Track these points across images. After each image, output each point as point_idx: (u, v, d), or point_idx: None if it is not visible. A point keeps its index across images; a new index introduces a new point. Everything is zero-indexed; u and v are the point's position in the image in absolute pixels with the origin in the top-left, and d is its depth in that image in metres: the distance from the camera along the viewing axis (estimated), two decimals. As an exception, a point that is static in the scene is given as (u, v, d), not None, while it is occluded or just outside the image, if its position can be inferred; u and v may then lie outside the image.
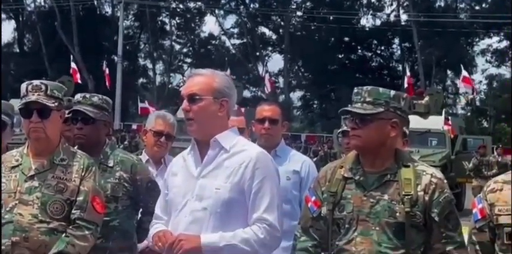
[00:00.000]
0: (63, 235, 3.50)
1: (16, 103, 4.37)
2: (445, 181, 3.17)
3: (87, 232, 3.53)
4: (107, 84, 32.15)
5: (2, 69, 51.21)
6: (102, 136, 4.22)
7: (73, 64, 29.35)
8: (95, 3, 50.01)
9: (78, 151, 3.70)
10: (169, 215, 3.30)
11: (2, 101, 4.38)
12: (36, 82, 3.61)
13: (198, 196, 3.16)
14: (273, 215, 3.15)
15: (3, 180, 3.58)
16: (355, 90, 3.24)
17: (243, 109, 23.03)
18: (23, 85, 3.61)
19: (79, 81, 26.89)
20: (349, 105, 3.22)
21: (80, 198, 3.55)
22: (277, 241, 3.21)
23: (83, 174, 3.59)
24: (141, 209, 4.28)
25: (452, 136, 19.76)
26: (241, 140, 3.27)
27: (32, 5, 50.51)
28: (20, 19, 52.10)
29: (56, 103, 3.58)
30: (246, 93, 45.12)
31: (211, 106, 3.19)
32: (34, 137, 3.58)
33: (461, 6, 49.00)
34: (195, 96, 3.18)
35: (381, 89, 3.20)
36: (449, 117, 21.40)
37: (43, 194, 3.51)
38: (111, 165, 4.10)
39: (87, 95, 4.24)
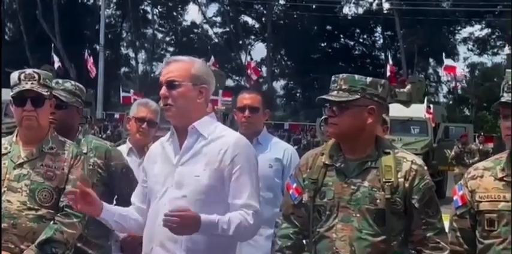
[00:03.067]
0: (52, 222, 3.53)
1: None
2: (425, 167, 3.19)
3: (75, 220, 3.56)
4: (93, 73, 32.00)
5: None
6: (75, 122, 4.17)
7: (56, 58, 29.24)
8: (77, -9, 49.68)
9: (67, 141, 3.72)
10: (148, 202, 3.29)
11: None
12: (28, 70, 3.62)
13: (177, 184, 3.15)
14: (257, 201, 3.17)
15: None
16: (332, 78, 3.24)
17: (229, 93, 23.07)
18: (15, 74, 3.61)
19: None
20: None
21: (69, 186, 3.56)
22: (259, 227, 3.25)
23: (71, 162, 3.61)
24: (115, 196, 4.27)
25: (433, 124, 19.88)
26: (219, 126, 3.27)
27: (13, -6, 50.11)
28: (1, 7, 51.63)
29: (48, 92, 3.61)
30: (229, 82, 45.02)
31: (190, 93, 3.18)
32: (26, 125, 3.59)
33: (443, -6, 49.12)
34: (173, 82, 3.16)
35: (356, 76, 3.20)
36: (431, 105, 21.50)
37: (32, 182, 3.54)
38: (85, 151, 4.03)
39: (60, 81, 4.20)
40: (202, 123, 3.20)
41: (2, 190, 3.53)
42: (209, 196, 3.13)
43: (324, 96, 3.20)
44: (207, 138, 3.19)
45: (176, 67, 3.21)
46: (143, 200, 3.34)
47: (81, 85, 4.25)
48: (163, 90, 3.18)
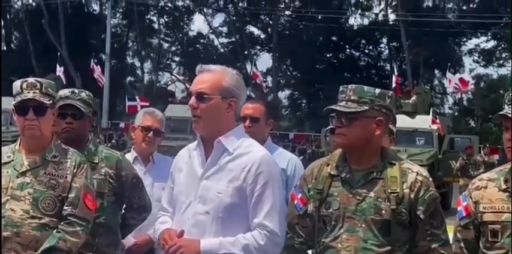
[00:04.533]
0: (55, 230, 3.52)
1: (4, 101, 4.38)
2: (431, 179, 3.20)
3: (78, 228, 3.56)
4: (102, 82, 32.04)
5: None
6: (87, 132, 4.22)
7: (60, 68, 29.34)
8: (83, 1, 49.79)
9: (70, 149, 3.72)
10: (174, 209, 3.31)
11: None
12: (31, 79, 3.62)
13: (201, 198, 3.16)
14: (274, 221, 3.14)
15: None
16: (341, 88, 3.25)
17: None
18: (17, 83, 3.62)
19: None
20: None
21: (72, 195, 3.57)
22: (277, 247, 3.19)
23: (74, 171, 3.61)
24: (124, 206, 4.28)
25: (442, 134, 19.85)
26: (246, 141, 3.24)
27: (19, 3, 50.28)
28: (8, 17, 51.84)
29: (51, 101, 3.61)
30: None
31: (219, 106, 3.16)
32: (29, 134, 3.59)
33: (449, 6, 49.12)
34: (203, 94, 3.14)
35: (365, 87, 3.21)
36: (437, 116, 21.49)
37: (35, 190, 3.54)
38: (96, 161, 4.10)
39: (76, 90, 4.24)
40: (228, 138, 3.18)
41: (6, 199, 3.53)
42: (231, 214, 3.13)
43: (332, 106, 3.20)
44: (232, 153, 3.17)
45: (207, 78, 3.19)
46: (172, 204, 3.35)
47: (92, 95, 4.29)
48: (193, 101, 3.16)
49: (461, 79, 26.45)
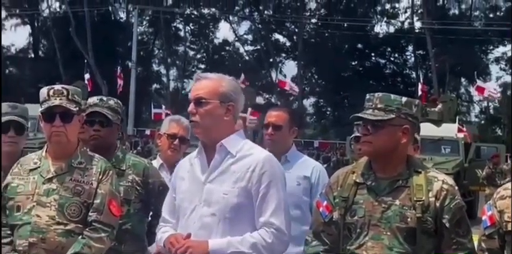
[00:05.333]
0: (80, 237, 3.54)
1: (31, 108, 4.43)
2: (456, 187, 3.20)
3: (103, 234, 3.57)
4: (121, 89, 32.29)
5: (16, 73, 51.58)
6: (115, 139, 4.26)
7: (87, 75, 29.61)
8: (110, 9, 50.23)
9: (95, 155, 3.74)
10: (177, 219, 3.33)
11: (19, 105, 4.45)
12: (57, 87, 3.65)
13: (206, 202, 3.19)
14: (279, 219, 3.17)
15: (21, 182, 3.64)
16: (367, 96, 3.26)
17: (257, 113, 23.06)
18: (44, 90, 3.65)
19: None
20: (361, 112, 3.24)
21: (97, 201, 3.58)
22: (284, 245, 3.23)
23: (100, 177, 3.63)
24: (151, 213, 4.31)
25: (470, 142, 19.72)
26: (247, 144, 3.29)
27: (47, 11, 50.79)
28: (35, 24, 52.39)
29: (77, 108, 3.63)
30: (260, 100, 45.07)
31: (217, 110, 3.22)
32: (55, 141, 3.62)
33: (475, 14, 48.91)
34: (201, 99, 3.21)
35: (392, 96, 3.23)
36: (464, 125, 21.37)
37: (61, 197, 3.56)
38: (123, 168, 4.13)
39: (104, 98, 4.28)
40: (230, 141, 3.23)
41: (32, 205, 3.55)
42: (238, 214, 3.16)
43: (359, 114, 3.21)
44: (235, 156, 3.22)
45: (205, 84, 3.25)
46: (174, 215, 3.37)
47: (120, 102, 4.32)
48: (191, 107, 3.23)
49: (478, 87, 26.24)
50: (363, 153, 3.31)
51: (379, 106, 3.18)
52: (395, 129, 3.17)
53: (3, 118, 4.26)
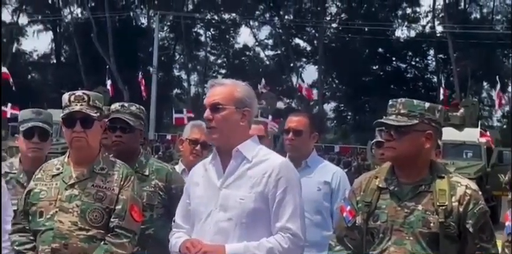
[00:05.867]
0: (102, 242, 3.55)
1: (54, 114, 4.48)
2: (480, 192, 3.18)
3: (125, 240, 3.58)
4: (143, 94, 32.44)
5: (38, 79, 51.98)
6: (138, 145, 4.28)
7: (109, 81, 29.79)
8: (131, 14, 50.48)
9: (117, 161, 3.76)
10: (191, 224, 3.33)
11: (43, 111, 4.49)
12: (78, 92, 3.68)
13: (222, 207, 3.19)
14: (296, 224, 3.17)
15: (44, 187, 3.66)
16: (390, 102, 3.26)
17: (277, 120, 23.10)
18: (65, 96, 3.68)
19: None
20: (384, 117, 3.24)
21: (119, 207, 3.60)
22: (300, 250, 3.23)
23: (121, 183, 3.64)
24: (174, 218, 4.32)
25: (492, 146, 19.59)
26: (263, 149, 3.30)
27: (69, 17, 51.18)
28: (58, 30, 52.78)
29: (98, 114, 3.65)
30: (280, 104, 45.07)
31: (233, 116, 3.23)
32: (76, 146, 3.64)
33: (497, 17, 48.60)
34: (217, 105, 3.22)
35: (415, 101, 3.22)
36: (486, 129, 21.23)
37: (83, 203, 3.57)
38: (146, 173, 4.16)
39: (126, 104, 4.31)
40: (246, 146, 3.24)
41: (54, 211, 3.57)
42: (254, 219, 3.16)
43: (382, 120, 3.21)
44: (251, 161, 3.22)
45: (220, 90, 3.27)
46: (188, 220, 3.38)
47: (143, 108, 4.35)
48: (207, 113, 3.24)
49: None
50: (387, 159, 3.31)
51: (402, 111, 3.18)
52: (419, 135, 3.17)
53: (28, 124, 4.31)
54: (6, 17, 50.64)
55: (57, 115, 3.88)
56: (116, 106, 4.27)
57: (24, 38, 51.97)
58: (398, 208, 3.13)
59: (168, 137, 34.30)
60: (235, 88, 3.28)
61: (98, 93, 3.84)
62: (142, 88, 33.96)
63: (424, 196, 3.12)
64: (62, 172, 3.66)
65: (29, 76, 52.31)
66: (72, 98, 3.64)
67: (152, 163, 4.23)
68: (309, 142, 4.69)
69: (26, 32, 51.67)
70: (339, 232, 3.32)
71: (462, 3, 48.60)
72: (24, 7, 51.17)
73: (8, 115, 26.37)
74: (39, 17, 50.72)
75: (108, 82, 31.21)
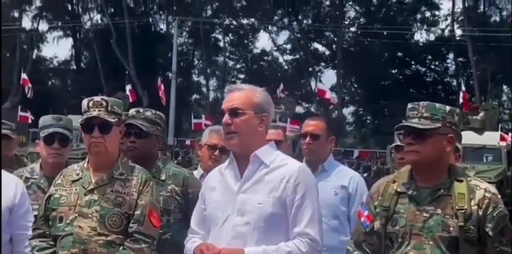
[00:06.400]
0: (121, 247, 3.57)
1: (74, 120, 4.53)
2: (499, 196, 3.17)
3: (144, 245, 3.59)
4: (163, 100, 32.52)
5: (58, 85, 52.32)
6: (155, 150, 4.30)
7: (128, 86, 29.91)
8: (150, 20, 50.68)
9: (136, 166, 3.77)
10: (207, 230, 3.33)
11: (63, 117, 4.53)
12: (97, 98, 3.71)
13: (239, 211, 3.19)
14: (314, 229, 3.17)
15: (63, 193, 3.69)
16: (411, 105, 3.26)
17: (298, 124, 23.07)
18: (84, 101, 3.70)
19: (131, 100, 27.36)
20: (403, 121, 3.23)
21: (138, 212, 3.61)
22: None
23: (140, 188, 3.66)
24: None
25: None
26: (280, 155, 3.30)
27: (89, 23, 51.47)
28: (77, 37, 53.10)
29: (116, 119, 3.67)
30: (299, 109, 45.04)
31: (252, 121, 3.24)
32: (94, 152, 3.66)
33: (517, 20, 48.28)
34: (237, 110, 3.23)
35: (437, 104, 3.23)
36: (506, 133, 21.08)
37: (102, 208, 3.59)
38: (163, 178, 4.18)
39: (141, 110, 4.34)
40: (263, 151, 3.25)
41: (74, 216, 3.59)
42: (272, 224, 3.16)
43: (408, 123, 3.20)
44: (268, 166, 3.23)
45: (239, 95, 3.27)
46: (204, 226, 3.38)
47: (160, 114, 4.37)
48: (226, 118, 3.24)
49: None
50: (409, 163, 3.28)
51: (425, 115, 3.18)
52: (441, 138, 3.17)
53: (48, 130, 4.35)
54: (27, 23, 51.13)
55: (77, 121, 3.91)
56: (131, 112, 4.30)
57: (44, 44, 52.38)
58: (417, 213, 3.12)
59: (187, 142, 34.30)
60: (254, 94, 3.29)
61: (117, 99, 3.87)
62: (161, 93, 34.04)
63: (443, 200, 3.12)
64: (81, 178, 3.69)
65: (50, 83, 52.66)
66: (90, 104, 3.67)
67: (169, 168, 4.25)
68: (326, 146, 4.69)
69: (46, 38, 52.07)
70: (357, 237, 3.32)
71: (481, 6, 48.35)
72: (44, 14, 51.54)
73: (30, 121, 26.55)
74: (59, 24, 51.04)
75: (128, 87, 31.31)
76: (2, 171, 4.02)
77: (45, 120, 4.47)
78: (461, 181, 3.15)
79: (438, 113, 3.18)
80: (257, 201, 3.17)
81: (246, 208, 3.18)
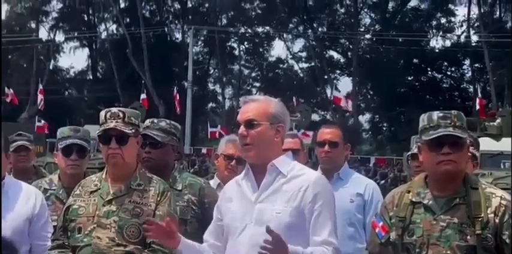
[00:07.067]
0: None
1: (91, 130, 4.57)
2: (515, 203, 3.16)
3: None
4: (177, 109, 32.65)
5: (75, 95, 52.59)
6: (171, 160, 4.31)
7: (143, 95, 30.06)
8: (166, 30, 50.88)
9: (154, 177, 3.79)
10: (224, 240, 3.33)
11: (81, 128, 4.58)
12: (114, 109, 3.74)
13: (257, 221, 3.18)
14: (336, 238, 3.17)
15: (82, 203, 3.71)
16: (441, 114, 3.22)
17: (310, 133, 23.06)
18: (102, 113, 3.73)
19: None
20: (440, 129, 3.15)
21: None
22: None
23: (158, 199, 3.68)
24: None
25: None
26: (297, 165, 3.31)
27: (105, 33, 51.75)
28: (94, 47, 53.39)
29: (133, 130, 3.70)
30: (315, 117, 45.04)
31: (268, 132, 3.23)
32: (112, 163, 3.69)
33: (533, 25, 48.05)
34: (252, 121, 3.23)
35: (461, 113, 3.22)
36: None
37: (120, 218, 3.61)
38: (179, 188, 4.19)
39: (155, 120, 4.36)
40: (281, 161, 3.25)
41: (92, 227, 3.61)
42: (290, 233, 3.14)
43: (452, 132, 3.15)
44: (286, 176, 3.22)
45: (254, 107, 3.28)
46: (217, 237, 3.38)
47: (176, 124, 4.38)
48: (242, 130, 3.24)
49: None
50: (446, 172, 3.18)
51: (457, 124, 3.17)
52: (467, 147, 3.19)
53: (66, 142, 4.39)
54: (43, 34, 51.51)
55: (94, 130, 3.96)
56: (146, 122, 4.32)
57: (61, 55, 52.72)
58: (434, 222, 3.12)
59: (204, 151, 34.36)
60: (269, 105, 3.29)
61: (135, 110, 3.90)
62: (176, 103, 34.16)
63: (459, 209, 3.11)
64: (99, 188, 3.71)
65: (66, 93, 52.95)
66: (108, 115, 3.70)
67: (186, 178, 4.26)
68: (343, 153, 4.71)
69: (63, 49, 52.40)
70: (372, 248, 3.31)
71: (497, 12, 48.16)
72: (60, 24, 51.89)
73: (46, 131, 26.72)
74: (76, 34, 51.36)
75: (142, 96, 31.46)
76: (22, 182, 4.07)
77: (63, 131, 4.51)
78: (476, 189, 3.15)
79: (464, 122, 3.19)
80: (275, 210, 3.17)
81: (264, 218, 3.18)
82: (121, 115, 3.70)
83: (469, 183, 3.18)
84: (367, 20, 50.86)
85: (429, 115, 3.23)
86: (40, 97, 30.00)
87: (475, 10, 46.92)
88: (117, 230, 3.59)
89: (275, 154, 3.26)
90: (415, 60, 49.71)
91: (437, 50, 49.36)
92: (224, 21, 52.01)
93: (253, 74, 54.87)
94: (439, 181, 3.19)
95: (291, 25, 50.79)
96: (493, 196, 3.13)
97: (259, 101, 3.31)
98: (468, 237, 3.07)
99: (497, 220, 3.08)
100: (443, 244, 3.09)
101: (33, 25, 50.91)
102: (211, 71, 54.42)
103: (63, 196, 4.32)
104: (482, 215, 3.07)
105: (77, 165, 4.40)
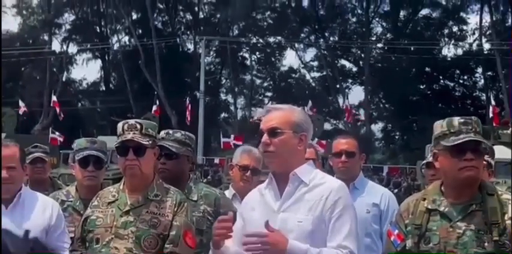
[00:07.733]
0: None
1: (105, 141, 4.61)
2: (531, 210, 3.16)
3: None
4: (187, 120, 32.74)
5: (88, 106, 52.79)
6: (186, 171, 4.33)
7: (155, 107, 30.19)
8: (177, 41, 51.08)
9: (171, 187, 3.80)
10: None
11: (97, 139, 4.61)
12: (131, 121, 3.76)
13: (281, 230, 3.17)
14: (353, 244, 3.17)
15: (100, 214, 3.73)
16: (462, 119, 3.20)
17: (324, 142, 23.04)
18: (119, 125, 3.76)
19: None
20: (462, 135, 3.14)
21: (173, 233, 3.63)
22: None
23: (175, 210, 3.69)
24: None
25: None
26: (319, 173, 3.32)
27: (117, 45, 52.00)
28: (106, 58, 53.64)
29: (150, 142, 3.72)
30: (327, 126, 44.96)
31: (291, 140, 3.24)
32: (129, 174, 3.71)
33: (545, 33, 47.89)
34: (276, 129, 3.23)
35: (479, 120, 3.22)
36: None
37: (138, 229, 3.62)
38: (195, 199, 4.21)
39: (170, 131, 4.38)
40: (303, 170, 3.26)
41: (110, 237, 3.63)
42: (312, 241, 3.16)
43: (475, 138, 3.14)
44: (308, 185, 3.23)
45: (277, 115, 3.28)
46: (239, 244, 3.33)
47: (191, 134, 4.40)
48: (265, 138, 3.24)
49: None
50: (469, 179, 3.16)
51: (477, 130, 3.17)
52: (484, 154, 3.19)
53: (83, 153, 4.43)
54: (56, 46, 51.80)
55: (111, 142, 3.98)
56: (161, 134, 4.34)
57: (74, 66, 53.00)
58: (450, 229, 3.11)
59: (217, 161, 34.39)
60: (293, 113, 3.30)
61: (151, 121, 3.93)
62: (188, 113, 34.25)
63: (476, 216, 3.11)
64: (117, 199, 3.73)
65: (79, 104, 53.18)
66: (125, 127, 3.73)
67: (201, 189, 4.28)
68: (359, 163, 4.72)
69: (76, 60, 52.71)
70: (388, 256, 3.31)
71: (509, 20, 48.03)
72: (73, 36, 52.19)
73: (58, 143, 26.84)
74: (88, 46, 51.63)
75: (154, 107, 31.58)
76: (38, 193, 4.10)
77: (79, 143, 4.55)
78: (493, 195, 3.14)
79: (481, 129, 3.20)
80: (298, 219, 3.18)
81: (287, 227, 3.18)
82: (138, 126, 3.73)
83: (485, 189, 3.17)
84: (379, 29, 50.97)
85: (449, 120, 3.21)
86: (56, 108, 30.18)
87: (486, 18, 46.94)
88: (135, 240, 3.60)
89: (298, 163, 3.27)
90: (427, 69, 49.63)
91: (449, 58, 49.28)
92: (236, 31, 52.17)
93: (265, 84, 54.98)
94: (457, 187, 3.18)
95: (302, 35, 50.88)
96: (510, 202, 3.12)
97: (282, 110, 3.32)
98: (486, 244, 3.06)
99: (514, 227, 3.07)
100: (460, 251, 3.08)
101: (46, 37, 51.26)
102: (223, 81, 54.55)
103: (80, 208, 4.35)
104: (500, 221, 3.06)
105: (94, 176, 4.44)
